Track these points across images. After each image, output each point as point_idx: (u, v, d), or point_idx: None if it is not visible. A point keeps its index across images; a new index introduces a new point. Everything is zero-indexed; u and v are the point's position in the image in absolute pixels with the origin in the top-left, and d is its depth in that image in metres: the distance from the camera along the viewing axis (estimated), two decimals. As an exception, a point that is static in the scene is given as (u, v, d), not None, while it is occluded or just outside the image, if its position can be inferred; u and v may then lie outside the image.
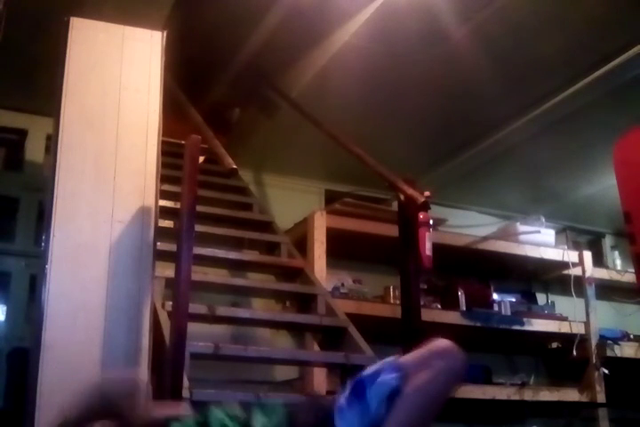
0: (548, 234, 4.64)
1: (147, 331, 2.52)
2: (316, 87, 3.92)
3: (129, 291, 2.56)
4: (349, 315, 3.18)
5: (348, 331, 3.04)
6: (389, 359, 1.57)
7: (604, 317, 4.58)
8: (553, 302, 4.92)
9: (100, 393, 1.62)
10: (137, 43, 2.97)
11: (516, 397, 3.96)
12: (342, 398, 1.58)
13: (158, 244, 2.72)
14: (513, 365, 4.68)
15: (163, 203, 2.95)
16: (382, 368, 1.55)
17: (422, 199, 3.07)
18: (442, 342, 1.55)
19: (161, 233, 2.75)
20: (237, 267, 3.55)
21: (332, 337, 3.14)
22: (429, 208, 3.17)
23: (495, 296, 4.58)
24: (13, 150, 4.30)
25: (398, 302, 3.55)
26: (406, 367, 1.52)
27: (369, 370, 1.58)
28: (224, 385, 2.56)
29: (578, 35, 3.42)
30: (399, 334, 2.98)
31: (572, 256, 4.48)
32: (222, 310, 2.93)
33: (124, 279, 2.57)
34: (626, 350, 4.32)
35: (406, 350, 1.67)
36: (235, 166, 2.78)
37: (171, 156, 3.33)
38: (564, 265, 4.47)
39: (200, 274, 3.00)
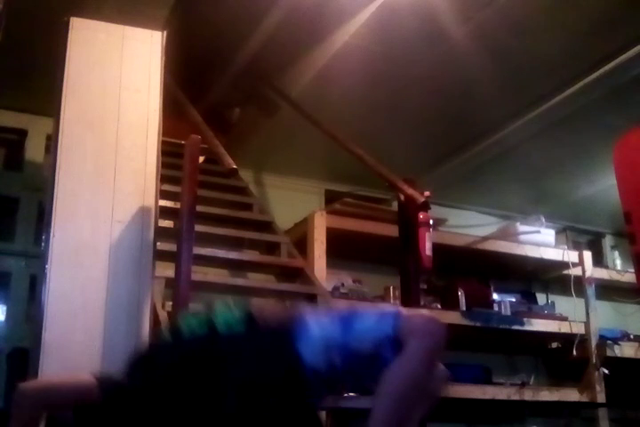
0: (548, 234, 4.63)
1: (147, 331, 2.52)
2: (316, 87, 3.92)
3: (129, 291, 2.56)
4: (349, 315, 3.17)
5: (348, 331, 3.04)
6: (390, 308, 1.59)
7: (604, 317, 4.58)
8: (553, 302, 4.91)
9: None
10: (137, 43, 2.97)
11: (515, 397, 3.95)
12: (323, 318, 1.61)
13: (158, 244, 2.72)
14: (513, 365, 4.68)
15: (163, 203, 2.95)
16: (382, 314, 1.57)
17: (422, 199, 3.07)
18: (424, 318, 1.56)
19: (161, 233, 2.75)
20: (237, 267, 3.54)
21: (332, 337, 3.13)
22: (429, 208, 3.17)
23: (495, 296, 4.58)
24: (13, 150, 4.29)
25: (398, 302, 3.55)
26: (403, 322, 1.53)
27: (367, 310, 1.61)
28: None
29: (578, 35, 3.42)
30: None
31: (572, 256, 4.48)
32: (222, 310, 2.92)
33: (124, 279, 2.57)
34: (626, 350, 4.32)
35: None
36: (235, 166, 2.78)
37: (171, 156, 3.32)
38: (564, 265, 4.47)
39: (200, 274, 3.00)
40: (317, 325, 1.61)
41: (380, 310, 1.59)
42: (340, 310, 1.67)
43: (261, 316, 1.70)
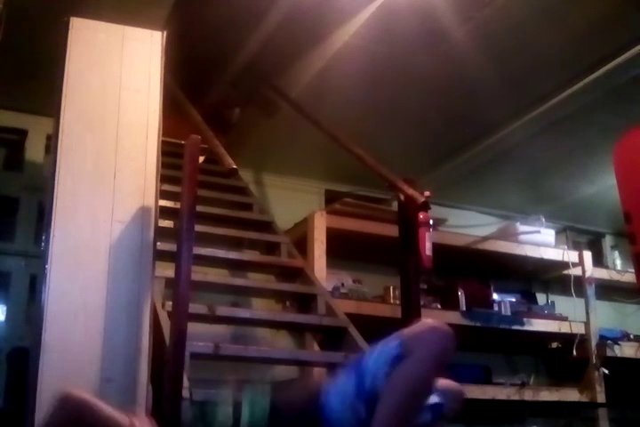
0: (548, 234, 4.64)
1: (147, 331, 2.52)
2: (316, 87, 3.92)
3: (129, 291, 2.56)
4: (349, 315, 3.18)
5: (348, 331, 3.04)
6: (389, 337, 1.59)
7: (604, 317, 4.59)
8: (553, 302, 4.92)
9: None
10: (137, 43, 2.96)
11: (515, 397, 3.96)
12: (339, 374, 1.62)
13: (158, 244, 2.72)
14: (513, 365, 4.68)
15: (163, 203, 2.94)
16: (386, 339, 1.58)
17: (422, 199, 3.07)
18: (426, 326, 1.55)
19: (161, 233, 2.75)
20: (237, 267, 3.55)
21: (332, 337, 3.14)
22: (429, 208, 3.17)
23: (495, 296, 4.58)
24: (13, 150, 4.30)
25: (398, 302, 3.55)
26: (406, 337, 1.53)
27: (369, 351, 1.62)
28: (224, 385, 2.57)
29: (578, 35, 3.42)
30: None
31: (572, 256, 4.48)
32: (222, 310, 2.92)
33: (124, 279, 2.57)
34: (626, 350, 4.32)
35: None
36: (235, 166, 2.78)
37: (171, 156, 3.32)
38: (564, 265, 4.47)
39: (200, 274, 3.00)
40: (338, 390, 1.61)
41: (385, 339, 1.60)
42: (355, 356, 1.67)
43: (286, 402, 1.72)
